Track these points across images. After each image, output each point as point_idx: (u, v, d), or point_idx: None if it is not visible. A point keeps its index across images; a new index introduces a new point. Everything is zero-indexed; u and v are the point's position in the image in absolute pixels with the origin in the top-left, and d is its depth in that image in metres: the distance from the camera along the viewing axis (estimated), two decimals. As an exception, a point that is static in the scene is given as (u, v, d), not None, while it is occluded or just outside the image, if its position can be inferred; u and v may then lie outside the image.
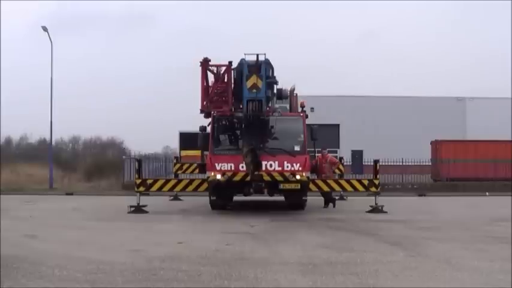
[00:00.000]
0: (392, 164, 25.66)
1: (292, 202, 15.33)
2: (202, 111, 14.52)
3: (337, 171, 18.28)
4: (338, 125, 41.00)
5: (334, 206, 16.27)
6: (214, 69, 14.29)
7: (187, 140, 27.60)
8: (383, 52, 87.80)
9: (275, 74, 14.78)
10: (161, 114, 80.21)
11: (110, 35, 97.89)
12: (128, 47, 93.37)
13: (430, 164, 29.50)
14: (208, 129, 14.85)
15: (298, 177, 13.92)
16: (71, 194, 22.93)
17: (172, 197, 18.84)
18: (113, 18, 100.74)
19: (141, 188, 15.28)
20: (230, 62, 14.26)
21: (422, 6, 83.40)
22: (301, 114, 14.89)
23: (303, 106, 15.36)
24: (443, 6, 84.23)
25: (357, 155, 34.62)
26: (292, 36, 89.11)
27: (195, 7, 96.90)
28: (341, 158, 20.73)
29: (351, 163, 28.12)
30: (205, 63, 14.17)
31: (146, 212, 14.83)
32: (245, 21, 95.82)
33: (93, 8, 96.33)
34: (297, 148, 14.30)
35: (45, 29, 27.57)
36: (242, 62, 13.93)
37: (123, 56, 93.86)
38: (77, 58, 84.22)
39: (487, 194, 23.26)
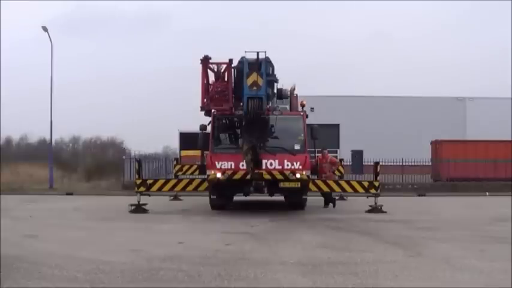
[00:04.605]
0: (392, 164, 25.64)
1: (292, 201, 15.35)
2: (202, 108, 14.52)
3: (337, 172, 18.25)
4: (338, 125, 41.00)
5: (334, 206, 16.27)
6: (215, 67, 14.28)
7: (187, 140, 27.57)
8: (383, 52, 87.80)
9: (275, 72, 14.79)
10: (161, 114, 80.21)
11: (110, 35, 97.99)
12: (128, 47, 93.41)
13: (430, 164, 29.51)
14: (209, 128, 14.86)
15: (298, 175, 13.95)
16: (71, 194, 22.91)
17: (172, 197, 18.84)
18: (114, 19, 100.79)
19: (142, 188, 15.29)
20: (230, 60, 14.24)
21: (421, 7, 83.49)
22: (302, 114, 14.90)
23: (303, 105, 15.37)
24: (443, 7, 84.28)
25: (357, 155, 34.60)
26: (296, 36, 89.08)
27: (197, 7, 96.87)
28: (341, 160, 20.71)
29: (350, 163, 28.11)
30: (205, 61, 14.17)
31: (146, 210, 14.84)
32: (250, 20, 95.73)
33: (94, 9, 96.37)
34: (297, 147, 14.32)
35: (45, 29, 27.51)
36: (242, 60, 13.92)
37: (124, 56, 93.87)
38: (77, 58, 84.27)
39: (487, 194, 23.26)
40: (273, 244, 9.65)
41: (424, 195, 22.98)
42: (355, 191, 15.36)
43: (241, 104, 13.91)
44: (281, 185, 14.14)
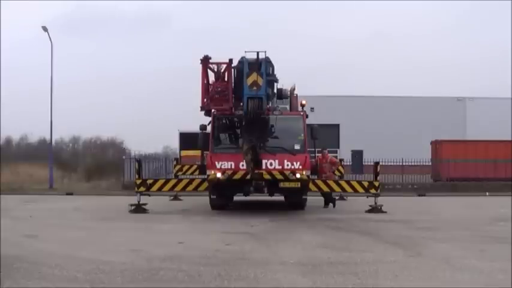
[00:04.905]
0: (392, 164, 25.64)
1: (292, 201, 15.35)
2: (202, 108, 14.53)
3: (337, 172, 18.25)
4: (338, 125, 41.02)
5: (334, 206, 16.27)
6: (215, 67, 14.29)
7: (187, 140, 27.61)
8: (383, 52, 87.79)
9: (275, 72, 14.79)
10: (161, 114, 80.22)
11: (110, 35, 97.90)
12: (128, 47, 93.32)
13: (430, 164, 29.52)
14: (209, 128, 14.86)
15: (298, 175, 13.95)
16: (71, 194, 22.91)
17: (172, 197, 18.85)
18: (114, 19, 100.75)
19: (142, 188, 15.31)
20: (230, 60, 14.24)
21: (421, 7, 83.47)
22: (302, 113, 14.90)
23: (303, 105, 15.38)
24: (443, 7, 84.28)
25: (357, 155, 34.61)
26: (296, 36, 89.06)
27: (197, 7, 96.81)
28: (341, 160, 20.72)
29: (350, 163, 28.12)
30: (205, 61, 14.17)
31: (146, 210, 14.85)
32: (250, 20, 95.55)
33: (94, 9, 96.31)
34: (297, 147, 14.32)
35: (45, 29, 27.51)
36: (242, 60, 13.93)
37: (124, 56, 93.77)
38: (77, 58, 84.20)
39: (487, 194, 23.26)
40: (273, 244, 9.65)
41: (424, 195, 22.98)
42: (355, 191, 15.37)
43: (241, 104, 13.92)
44: (281, 185, 14.14)
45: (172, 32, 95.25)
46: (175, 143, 35.62)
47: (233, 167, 13.99)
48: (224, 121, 14.87)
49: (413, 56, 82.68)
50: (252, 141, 13.73)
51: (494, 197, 21.83)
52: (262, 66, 13.62)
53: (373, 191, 15.07)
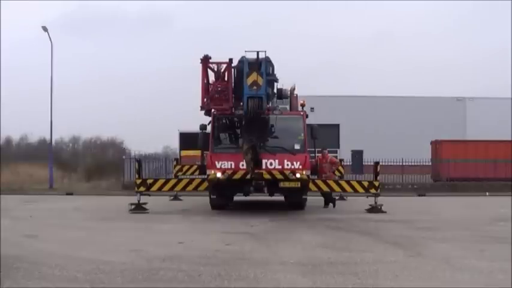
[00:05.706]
0: (392, 164, 25.65)
1: (292, 201, 15.35)
2: (202, 108, 14.52)
3: (337, 172, 18.24)
4: (338, 125, 41.03)
5: (334, 206, 16.27)
6: (215, 67, 14.29)
7: (187, 140, 27.61)
8: (385, 52, 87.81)
9: (275, 72, 14.79)
10: (162, 114, 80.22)
11: (112, 35, 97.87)
12: (130, 47, 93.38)
13: (430, 164, 29.52)
14: (209, 128, 14.87)
15: (298, 175, 13.96)
16: (71, 194, 22.92)
17: (172, 197, 18.85)
18: (116, 19, 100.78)
19: (142, 188, 15.31)
20: (230, 60, 14.24)
21: (424, 7, 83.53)
22: (302, 113, 14.90)
23: (303, 105, 15.38)
24: (443, 7, 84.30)
25: (357, 155, 34.61)
26: (298, 36, 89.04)
27: (199, 7, 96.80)
28: (341, 160, 20.71)
29: (350, 163, 28.12)
30: (205, 61, 14.17)
31: (146, 209, 14.85)
32: (253, 20, 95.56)
33: (96, 9, 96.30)
34: (297, 147, 14.33)
35: (45, 29, 27.53)
36: (243, 60, 13.93)
37: (126, 56, 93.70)
38: (79, 58, 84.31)
39: (487, 194, 23.27)
40: (273, 244, 9.65)
41: (424, 195, 22.99)
42: (355, 191, 15.37)
43: (241, 103, 13.92)
44: (281, 184, 14.15)
45: (175, 32, 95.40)
46: (175, 143, 35.66)
47: (233, 166, 13.99)
48: (224, 121, 14.87)
49: (416, 56, 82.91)
50: (252, 141, 13.74)
51: (494, 197, 21.84)
52: (262, 65, 13.62)
53: (373, 190, 15.07)
